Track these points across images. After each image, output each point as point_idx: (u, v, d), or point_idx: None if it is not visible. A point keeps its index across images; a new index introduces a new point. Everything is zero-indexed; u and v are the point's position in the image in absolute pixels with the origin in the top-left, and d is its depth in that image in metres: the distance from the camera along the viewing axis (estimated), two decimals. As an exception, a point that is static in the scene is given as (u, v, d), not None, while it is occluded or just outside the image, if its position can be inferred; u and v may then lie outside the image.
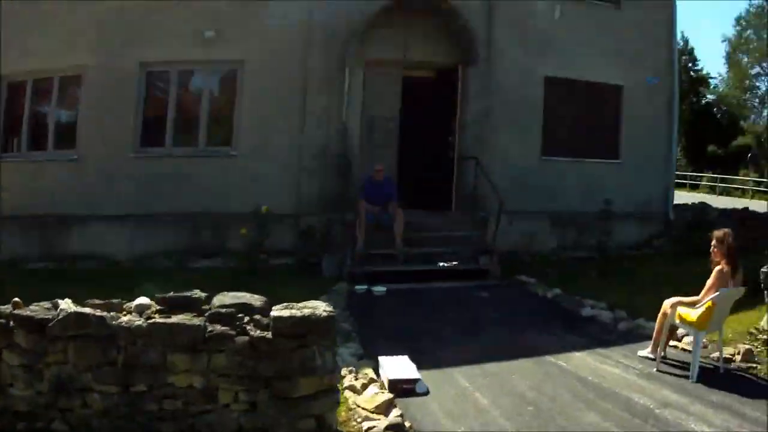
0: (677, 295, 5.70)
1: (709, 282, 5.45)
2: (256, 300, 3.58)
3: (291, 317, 3.33)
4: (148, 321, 3.34)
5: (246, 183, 8.73)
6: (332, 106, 8.98)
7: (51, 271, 7.57)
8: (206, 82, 8.96)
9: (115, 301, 3.63)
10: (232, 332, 3.32)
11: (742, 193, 28.38)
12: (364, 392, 4.21)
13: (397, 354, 4.96)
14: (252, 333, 3.33)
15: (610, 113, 11.95)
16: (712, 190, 28.38)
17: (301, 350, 3.32)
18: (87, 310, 3.33)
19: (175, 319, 3.34)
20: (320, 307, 3.48)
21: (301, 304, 3.48)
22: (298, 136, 9.07)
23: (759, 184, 28.54)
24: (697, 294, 5.51)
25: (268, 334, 3.32)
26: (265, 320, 3.38)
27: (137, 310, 3.50)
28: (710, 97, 38.24)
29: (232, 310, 3.45)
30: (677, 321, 5.53)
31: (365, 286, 7.46)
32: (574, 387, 4.96)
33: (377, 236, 8.22)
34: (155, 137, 8.76)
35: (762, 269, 6.05)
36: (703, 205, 13.28)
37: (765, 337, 6.02)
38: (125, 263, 8.01)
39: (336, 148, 8.93)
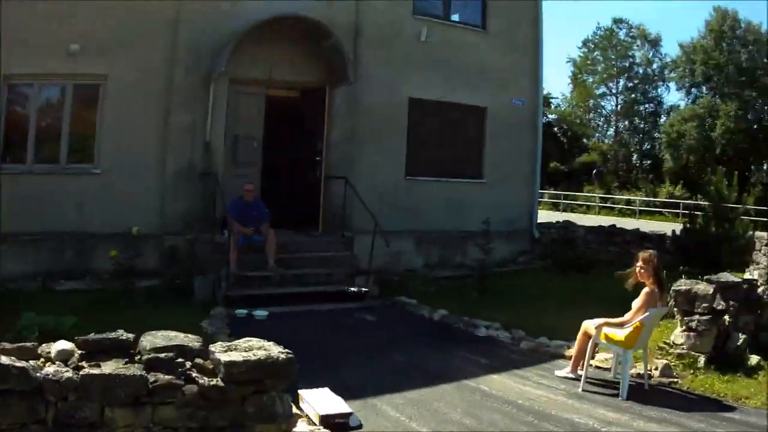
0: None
1: (639, 302, 6.67)
2: (191, 340, 3.95)
3: (245, 362, 3.71)
4: (80, 372, 3.52)
5: (110, 202, 10.65)
6: (197, 123, 11.18)
7: None
8: (69, 96, 10.70)
9: (28, 345, 3.80)
10: (179, 382, 3.63)
11: (587, 209, 32.87)
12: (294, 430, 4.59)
13: (305, 385, 5.59)
14: (200, 381, 3.67)
15: (474, 134, 15.13)
16: (554, 206, 32.45)
17: (258, 396, 3.77)
18: (3, 359, 3.37)
19: (108, 368, 3.58)
20: (274, 350, 3.90)
21: (247, 345, 3.96)
22: (161, 154, 11.20)
23: (605, 200, 32.89)
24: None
25: (219, 382, 3.69)
26: (209, 365, 3.81)
27: (60, 357, 3.67)
28: (551, 116, 43.71)
29: (171, 354, 3.74)
30: (603, 341, 6.73)
31: (245, 311, 9.30)
32: (509, 412, 5.91)
33: (249, 257, 10.31)
34: (17, 154, 10.40)
35: (672, 287, 7.41)
36: (567, 223, 15.93)
37: (677, 351, 7.36)
38: None
39: (201, 167, 10.86)
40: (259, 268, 10.29)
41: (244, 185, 10.83)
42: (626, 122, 45.17)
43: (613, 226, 16.66)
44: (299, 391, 5.52)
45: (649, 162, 41.79)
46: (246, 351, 3.84)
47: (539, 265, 14.82)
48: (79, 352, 3.71)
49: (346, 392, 5.83)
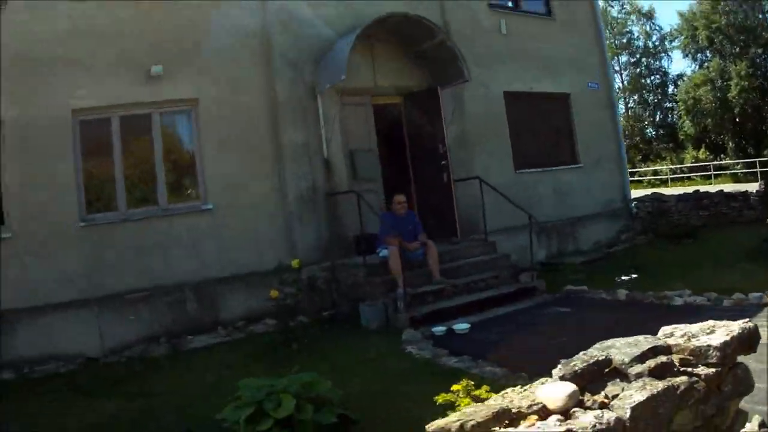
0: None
1: None
2: (654, 340, 2.74)
3: (731, 340, 2.69)
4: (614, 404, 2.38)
5: (224, 240, 7.86)
6: (310, 140, 8.31)
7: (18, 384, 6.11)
8: (157, 127, 7.81)
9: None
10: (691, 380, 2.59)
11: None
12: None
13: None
14: (699, 373, 2.63)
15: (563, 121, 12.41)
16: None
17: (733, 372, 2.76)
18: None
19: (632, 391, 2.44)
20: (735, 325, 2.80)
21: (688, 330, 2.82)
22: (278, 178, 8.36)
23: (632, 174, 30.04)
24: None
25: (708, 369, 2.66)
26: (679, 357, 2.65)
27: (560, 405, 2.35)
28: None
29: (664, 358, 2.62)
30: None
31: (443, 327, 6.78)
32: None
33: (412, 273, 7.66)
34: (106, 201, 7.53)
35: None
36: (657, 195, 13.58)
37: None
38: (105, 360, 6.75)
39: (324, 187, 7.86)
40: (426, 283, 7.55)
41: (394, 198, 8.12)
42: (635, 97, 41.38)
43: (697, 191, 14.20)
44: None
45: (663, 132, 38.51)
46: (708, 333, 2.74)
47: (644, 240, 12.33)
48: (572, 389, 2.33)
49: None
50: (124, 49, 7.36)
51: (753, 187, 14.19)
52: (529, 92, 11.49)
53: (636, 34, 39.96)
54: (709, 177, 26.74)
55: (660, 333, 2.86)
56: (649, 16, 40.04)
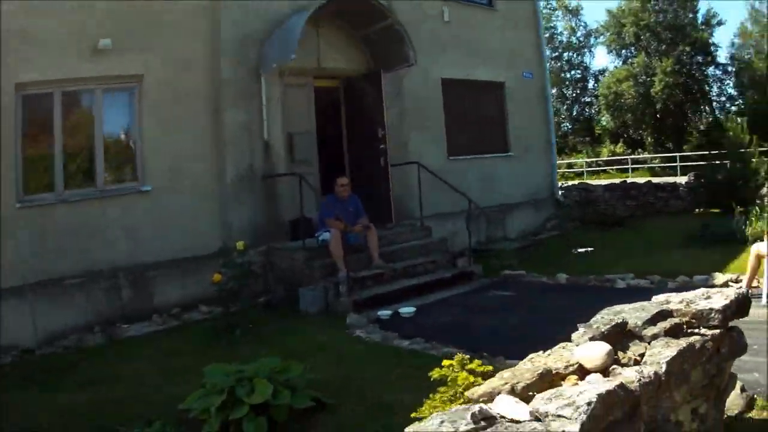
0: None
1: None
2: (659, 304, 3.07)
3: (730, 304, 3.04)
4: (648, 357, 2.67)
5: (164, 223, 7.84)
6: (252, 121, 8.50)
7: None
8: (99, 104, 7.58)
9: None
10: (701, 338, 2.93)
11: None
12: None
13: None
14: (703, 334, 2.94)
15: (496, 110, 12.97)
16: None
17: (729, 335, 3.14)
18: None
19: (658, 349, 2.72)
20: (731, 291, 3.17)
21: (685, 297, 3.13)
22: (217, 159, 8.37)
23: None
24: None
25: (710, 331, 2.98)
26: (682, 320, 2.99)
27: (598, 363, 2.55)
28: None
29: (676, 320, 2.97)
30: None
31: (388, 311, 7.11)
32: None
33: (351, 257, 7.87)
34: (43, 181, 7.27)
35: None
36: (584, 185, 14.38)
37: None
38: (41, 351, 6.57)
39: (262, 169, 7.95)
40: (365, 267, 7.92)
41: (337, 180, 8.35)
42: (554, 90, 43.06)
43: (624, 181, 15.15)
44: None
45: (579, 126, 40.09)
46: (705, 298, 3.10)
47: (570, 227, 13.15)
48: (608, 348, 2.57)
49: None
50: (72, 22, 7.12)
51: (672, 180, 15.22)
52: (466, 80, 11.98)
53: (560, 29, 41.19)
54: (625, 170, 28.29)
55: (653, 300, 3.17)
56: (575, 12, 41.37)
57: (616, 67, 38.11)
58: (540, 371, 2.42)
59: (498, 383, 2.38)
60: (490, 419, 2.14)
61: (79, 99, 7.47)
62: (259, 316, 7.15)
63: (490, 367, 3.56)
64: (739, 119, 14.23)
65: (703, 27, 34.68)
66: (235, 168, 8.31)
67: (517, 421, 2.10)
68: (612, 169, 29.34)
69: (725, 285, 7.08)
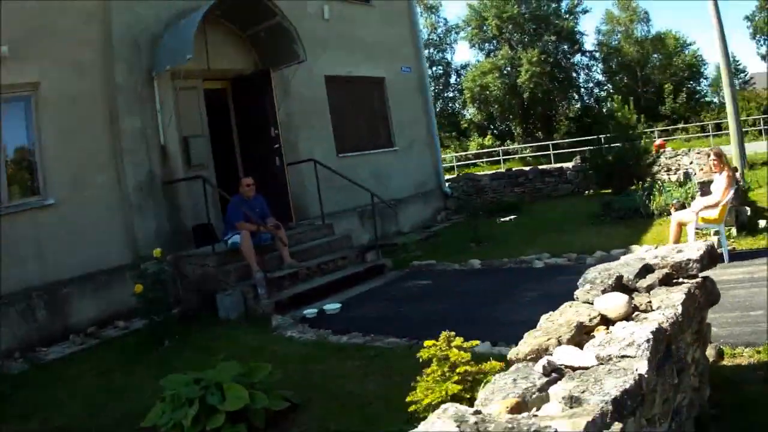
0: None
1: (724, 185, 8.04)
2: (641, 260, 3.80)
3: (703, 255, 3.74)
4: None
5: (71, 237, 8.55)
6: (147, 126, 9.57)
7: None
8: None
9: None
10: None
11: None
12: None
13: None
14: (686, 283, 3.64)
15: (379, 105, 14.92)
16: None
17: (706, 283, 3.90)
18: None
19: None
20: (701, 244, 3.90)
21: (661, 251, 3.94)
22: (117, 168, 9.24)
23: None
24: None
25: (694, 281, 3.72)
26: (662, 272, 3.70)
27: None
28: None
29: (666, 270, 3.68)
30: (701, 223, 8.08)
31: (313, 309, 8.18)
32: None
33: (260, 259, 8.93)
34: None
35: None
36: (470, 175, 16.16)
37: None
38: None
39: (161, 175, 8.97)
40: (278, 267, 9.13)
41: (242, 180, 9.42)
42: None
43: (510, 169, 17.17)
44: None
45: (445, 121, 43.34)
46: (678, 252, 3.82)
47: (461, 218, 15.13)
48: (627, 297, 3.22)
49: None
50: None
51: (558, 165, 17.48)
52: (349, 76, 13.67)
53: (420, 27, 44.30)
54: (497, 162, 31.12)
55: (622, 259, 3.87)
56: (434, 9, 44.91)
57: (478, 61, 41.75)
58: (575, 324, 2.90)
59: (541, 340, 2.81)
60: (558, 370, 2.52)
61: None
62: (179, 326, 7.88)
63: (476, 342, 4.16)
64: (623, 101, 16.67)
65: (568, 16, 39.03)
66: (135, 176, 9.29)
67: (586, 367, 2.48)
68: (482, 162, 32.31)
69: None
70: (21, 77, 8.19)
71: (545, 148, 30.03)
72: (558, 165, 17.34)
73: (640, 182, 12.70)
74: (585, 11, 40.08)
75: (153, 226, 9.31)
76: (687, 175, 14.59)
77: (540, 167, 17.26)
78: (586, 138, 28.93)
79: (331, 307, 8.13)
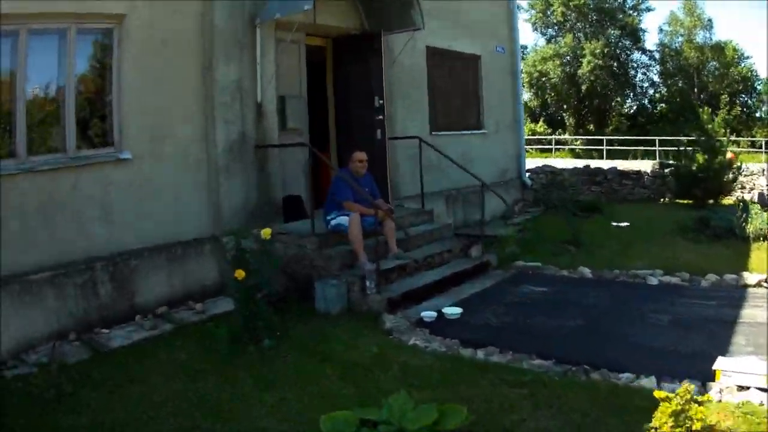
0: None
1: None
2: None
3: None
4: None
5: (145, 199, 6.62)
6: (244, 79, 7.48)
7: None
8: (71, 49, 6.09)
9: None
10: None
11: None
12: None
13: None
14: None
15: (472, 84, 12.59)
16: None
17: None
18: None
19: None
20: None
21: None
22: (206, 124, 7.19)
23: None
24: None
25: None
26: None
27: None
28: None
29: None
30: None
31: (432, 312, 6.29)
32: None
33: (367, 244, 7.03)
34: (2, 144, 5.78)
35: None
36: (550, 167, 14.26)
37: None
38: (13, 371, 5.11)
39: (254, 137, 6.89)
40: (382, 257, 7.05)
41: (354, 155, 7.44)
42: None
43: (588, 166, 15.17)
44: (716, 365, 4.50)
45: None
46: None
47: (539, 210, 13.30)
48: None
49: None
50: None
51: (637, 168, 15.68)
52: (448, 50, 11.51)
53: (516, 6, 41.58)
54: (547, 150, 28.82)
55: None
56: None
57: (537, 45, 38.95)
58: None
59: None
60: None
61: (49, 40, 6.00)
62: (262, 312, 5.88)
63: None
64: (710, 112, 14.67)
65: (632, 12, 36.11)
66: (227, 134, 7.23)
67: None
68: (533, 149, 30.01)
69: (758, 285, 7.11)
70: (104, 5, 6.11)
71: (597, 142, 27.80)
72: (636, 168, 15.28)
73: (721, 197, 10.93)
74: (649, 9, 37.06)
75: (241, 195, 7.29)
76: (762, 197, 12.92)
77: (618, 168, 15.24)
78: (642, 138, 26.84)
79: (452, 311, 6.27)
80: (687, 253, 8.77)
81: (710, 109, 16.33)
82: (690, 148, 13.63)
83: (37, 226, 5.72)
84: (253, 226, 7.25)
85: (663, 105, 36.33)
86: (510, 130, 13.43)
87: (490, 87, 12.61)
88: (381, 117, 8.78)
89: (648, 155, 24.95)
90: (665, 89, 36.52)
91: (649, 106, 37.54)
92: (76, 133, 6.08)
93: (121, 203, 6.35)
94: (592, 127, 34.59)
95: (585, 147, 29.69)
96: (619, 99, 36.94)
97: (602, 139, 27.38)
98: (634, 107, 37.24)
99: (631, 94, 37.56)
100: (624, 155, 24.77)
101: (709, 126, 13.87)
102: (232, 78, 7.27)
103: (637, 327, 5.87)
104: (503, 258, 8.64)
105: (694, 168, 13.21)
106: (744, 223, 9.43)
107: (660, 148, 24.96)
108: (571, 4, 35.31)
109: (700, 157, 13.34)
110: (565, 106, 35.85)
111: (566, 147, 30.76)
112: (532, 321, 6.19)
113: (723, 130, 14.15)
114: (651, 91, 37.78)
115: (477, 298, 7.02)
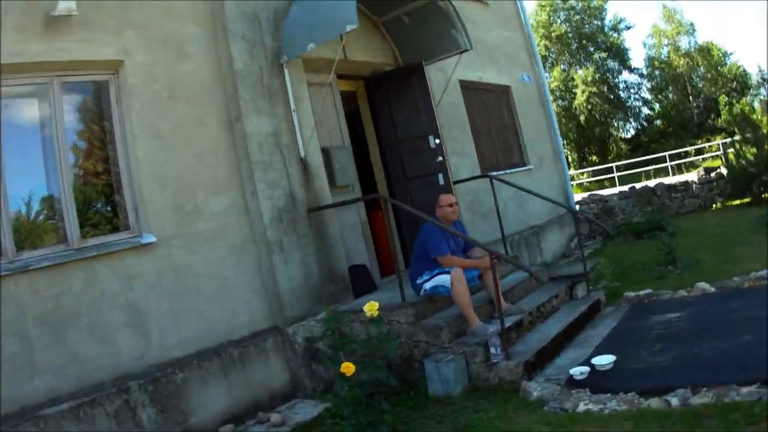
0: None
1: None
2: None
3: None
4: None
5: (181, 291, 4.74)
6: (281, 131, 5.27)
7: None
8: (57, 107, 4.37)
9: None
10: None
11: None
12: None
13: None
14: None
15: (508, 117, 10.86)
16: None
17: None
18: None
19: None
20: None
21: None
22: (242, 188, 5.37)
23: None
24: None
25: None
26: None
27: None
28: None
29: None
30: None
31: (583, 367, 4.54)
32: None
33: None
34: None
35: None
36: (597, 195, 12.73)
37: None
38: None
39: (304, 200, 4.92)
40: (492, 314, 5.31)
41: (441, 198, 5.54)
42: None
43: (633, 188, 13.35)
44: None
45: None
46: None
47: (597, 242, 11.49)
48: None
49: None
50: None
51: (684, 179, 14.18)
52: (480, 82, 9.83)
53: (531, 31, 40.77)
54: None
55: None
56: None
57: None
58: None
59: None
60: None
61: (28, 98, 4.19)
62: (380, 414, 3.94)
63: None
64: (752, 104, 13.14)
65: (612, 32, 34.78)
66: (272, 200, 5.34)
67: None
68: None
69: None
70: (94, 51, 4.43)
71: (605, 171, 26.04)
72: (683, 179, 13.59)
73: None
74: (628, 27, 35.85)
75: (300, 272, 5.37)
76: None
77: (665, 182, 13.50)
78: (648, 158, 25.11)
79: (604, 360, 4.56)
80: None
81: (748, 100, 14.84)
82: (737, 147, 12.03)
83: (44, 342, 3.86)
84: (320, 307, 5.31)
85: (659, 122, 34.68)
86: (553, 162, 11.59)
87: (525, 119, 10.90)
88: (441, 158, 6.96)
89: (660, 173, 23.24)
90: (658, 105, 35.05)
91: (645, 124, 35.79)
92: (77, 218, 4.22)
93: (151, 301, 4.45)
94: (595, 158, 32.86)
95: (594, 179, 27.84)
96: (616, 124, 35.34)
97: (611, 167, 25.60)
98: (631, 130, 35.73)
99: (629, 116, 35.89)
100: (636, 179, 23.00)
101: (754, 117, 12.35)
102: (267, 130, 5.46)
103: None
104: (608, 294, 6.80)
105: (745, 164, 11.60)
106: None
107: (671, 163, 23.31)
108: (552, 35, 34.09)
109: (749, 153, 11.70)
110: (565, 143, 34.17)
111: (574, 183, 28.90)
112: (698, 349, 4.68)
113: (766, 119, 12.64)
114: (645, 110, 36.34)
115: (613, 340, 5.32)
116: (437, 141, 7.01)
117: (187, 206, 4.83)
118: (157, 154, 4.72)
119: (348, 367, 3.39)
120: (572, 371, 4.44)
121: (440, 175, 7.00)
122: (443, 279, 5.05)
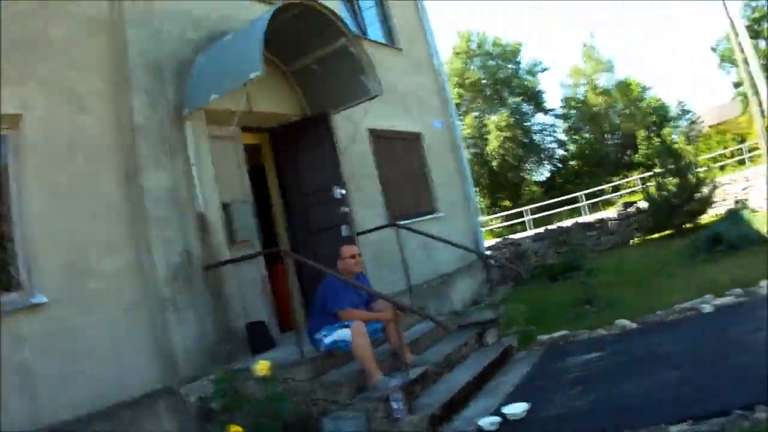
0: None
1: None
2: None
3: None
4: None
5: (72, 354, 5.00)
6: (179, 186, 5.85)
7: None
8: None
9: None
10: None
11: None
12: None
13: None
14: None
15: (417, 165, 11.77)
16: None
17: None
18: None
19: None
20: None
21: None
22: (138, 246, 5.74)
23: None
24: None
25: None
26: None
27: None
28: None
29: None
30: None
31: (493, 418, 4.94)
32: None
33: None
34: None
35: None
36: (509, 239, 13.78)
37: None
38: None
39: (200, 256, 5.48)
40: (395, 368, 5.77)
41: (345, 250, 6.16)
42: None
43: (548, 229, 14.62)
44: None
45: None
46: None
47: (509, 287, 12.54)
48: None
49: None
50: None
51: (599, 216, 15.64)
52: (390, 131, 10.65)
53: (445, 76, 42.25)
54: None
55: None
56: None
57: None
58: None
59: None
60: None
61: None
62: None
63: None
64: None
65: (529, 76, 37.12)
66: (166, 257, 5.78)
67: None
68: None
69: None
70: None
71: (517, 215, 27.64)
72: (599, 216, 15.00)
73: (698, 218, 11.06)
74: (544, 70, 38.69)
75: (195, 330, 5.78)
76: (739, 203, 13.02)
77: (579, 220, 14.82)
78: (561, 199, 26.94)
79: (516, 409, 5.01)
80: (716, 273, 8.29)
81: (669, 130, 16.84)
82: (659, 179, 13.55)
83: None
84: (216, 366, 5.73)
85: (574, 162, 37.17)
86: (462, 209, 12.59)
87: (436, 166, 11.87)
88: (346, 209, 7.61)
89: (575, 213, 24.89)
90: (573, 145, 37.60)
91: (560, 165, 38.39)
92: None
93: (42, 363, 4.72)
94: (508, 203, 34.62)
95: (506, 224, 29.28)
96: (529, 167, 37.54)
97: (521, 211, 27.20)
98: (546, 172, 38.08)
99: (543, 158, 38.21)
100: (550, 221, 24.58)
101: (676, 146, 13.99)
102: (166, 185, 5.93)
103: (743, 356, 4.98)
104: (521, 339, 7.50)
105: (667, 195, 13.13)
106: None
107: (587, 202, 25.08)
108: (466, 82, 36.04)
109: (670, 184, 13.21)
110: (476, 189, 35.96)
111: (485, 229, 30.34)
112: (620, 389, 5.07)
113: (689, 148, 14.41)
114: (560, 152, 38.81)
115: (526, 386, 5.84)
116: (342, 192, 7.67)
117: (80, 265, 5.17)
118: (52, 212, 5.07)
119: (234, 429, 3.84)
120: (481, 422, 4.91)
121: (344, 227, 7.64)
122: (343, 333, 5.56)
